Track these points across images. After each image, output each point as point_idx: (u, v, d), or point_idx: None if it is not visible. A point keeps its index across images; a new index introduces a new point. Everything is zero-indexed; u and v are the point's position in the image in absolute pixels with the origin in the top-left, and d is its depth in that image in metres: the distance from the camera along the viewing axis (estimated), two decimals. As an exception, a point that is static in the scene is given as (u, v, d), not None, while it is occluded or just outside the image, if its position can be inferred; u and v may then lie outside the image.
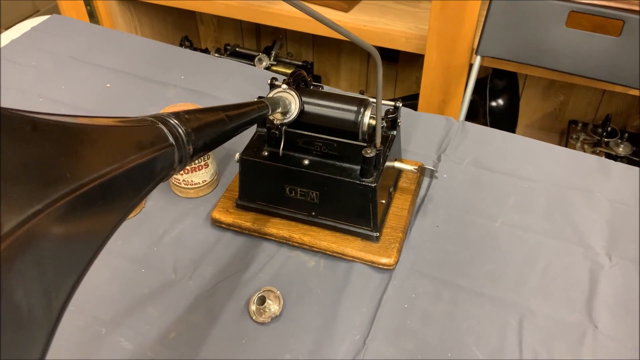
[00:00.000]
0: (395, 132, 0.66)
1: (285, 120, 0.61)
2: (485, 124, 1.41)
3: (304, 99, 0.63)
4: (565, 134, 1.60)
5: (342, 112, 0.61)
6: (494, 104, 1.45)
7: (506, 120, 1.44)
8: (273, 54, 1.63)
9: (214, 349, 0.57)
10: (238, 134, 0.52)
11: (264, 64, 1.60)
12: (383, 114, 0.65)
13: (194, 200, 0.72)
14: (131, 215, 0.70)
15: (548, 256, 0.65)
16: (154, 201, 0.72)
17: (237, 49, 1.69)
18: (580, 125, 1.52)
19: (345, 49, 1.82)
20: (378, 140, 0.60)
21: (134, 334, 0.58)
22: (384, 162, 0.62)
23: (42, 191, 0.25)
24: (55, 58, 0.98)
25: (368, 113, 0.61)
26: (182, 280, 0.63)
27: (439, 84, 1.29)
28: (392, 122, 0.65)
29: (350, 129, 0.61)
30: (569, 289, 0.62)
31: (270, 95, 0.62)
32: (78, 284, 0.29)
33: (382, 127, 0.64)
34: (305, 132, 0.63)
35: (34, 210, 0.23)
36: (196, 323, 0.59)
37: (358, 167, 0.62)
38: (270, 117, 0.62)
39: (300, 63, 1.69)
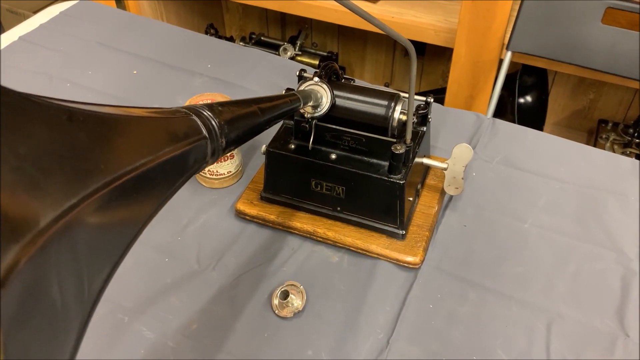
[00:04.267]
0: (425, 128, 0.65)
1: (316, 114, 0.60)
2: (512, 121, 1.39)
3: (334, 92, 0.61)
4: (594, 133, 1.56)
5: (372, 106, 0.60)
6: (522, 100, 1.42)
7: (534, 118, 1.41)
8: (298, 44, 1.62)
9: (236, 342, 0.56)
10: (270, 127, 0.51)
11: (289, 53, 1.58)
12: (414, 109, 0.63)
13: (218, 191, 0.72)
14: (156, 203, 0.69)
15: (579, 260, 0.63)
16: (179, 191, 0.72)
17: (262, 38, 1.68)
18: (610, 124, 1.48)
19: (370, 40, 1.80)
20: (408, 136, 0.58)
21: (156, 323, 0.58)
22: (413, 158, 0.61)
23: (77, 184, 0.24)
24: (82, 43, 0.98)
25: (399, 108, 0.59)
26: (205, 270, 0.63)
27: (467, 79, 1.27)
28: (422, 117, 0.64)
29: (380, 124, 0.60)
30: (599, 295, 0.60)
31: (302, 88, 0.61)
32: (111, 275, 0.29)
33: (412, 122, 0.62)
34: (334, 126, 0.61)
35: (70, 204, 0.23)
36: (218, 314, 0.59)
37: (386, 163, 0.61)
38: (301, 110, 0.61)
39: (325, 53, 1.68)
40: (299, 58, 1.63)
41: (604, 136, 1.44)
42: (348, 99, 0.61)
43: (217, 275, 0.62)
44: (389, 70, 1.87)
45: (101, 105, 0.30)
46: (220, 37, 1.71)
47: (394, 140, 0.59)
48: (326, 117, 0.61)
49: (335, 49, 1.85)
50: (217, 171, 0.70)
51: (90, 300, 0.25)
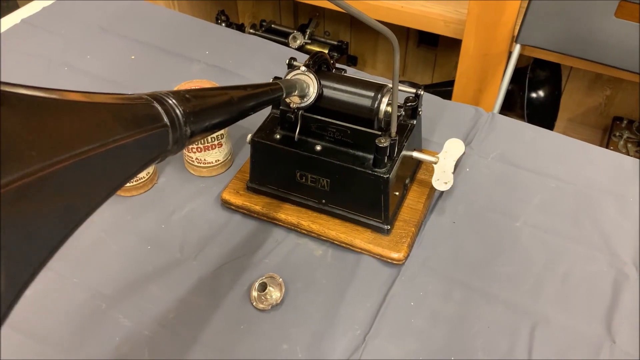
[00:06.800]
0: (415, 122, 0.63)
1: (302, 105, 0.59)
2: (522, 116, 1.36)
3: (322, 82, 0.60)
4: (608, 130, 1.52)
5: (358, 97, 0.58)
6: (533, 95, 1.38)
7: (545, 113, 1.38)
8: (308, 32, 1.60)
9: (211, 333, 0.56)
10: (246, 116, 0.50)
11: (299, 42, 1.57)
12: (402, 102, 0.62)
13: (207, 179, 0.71)
14: (142, 190, 0.69)
15: (570, 262, 0.61)
16: (167, 178, 0.72)
17: (272, 25, 1.67)
18: (625, 122, 1.44)
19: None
20: (393, 129, 0.57)
21: (133, 311, 0.57)
22: (400, 152, 0.59)
23: (-2, 170, 0.23)
24: (84, 27, 0.98)
25: (385, 100, 0.58)
26: (187, 260, 0.62)
27: (475, 72, 1.24)
28: (412, 110, 0.62)
29: (366, 115, 0.58)
30: (589, 298, 0.58)
31: (288, 77, 0.60)
32: (48, 259, 0.28)
33: (401, 115, 0.61)
34: (320, 117, 0.60)
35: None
36: (197, 305, 0.58)
37: (372, 156, 0.59)
38: (287, 100, 0.60)
39: (335, 43, 1.66)
40: (308, 47, 1.62)
41: (617, 134, 1.40)
42: (335, 89, 0.60)
43: (199, 265, 0.62)
44: (401, 60, 1.84)
45: (47, 90, 0.30)
46: (230, 24, 1.71)
47: (379, 133, 0.58)
48: (313, 107, 0.59)
49: (347, 38, 1.83)
50: (205, 159, 0.69)
51: (8, 298, 0.24)
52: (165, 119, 0.38)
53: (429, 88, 1.70)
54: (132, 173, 0.36)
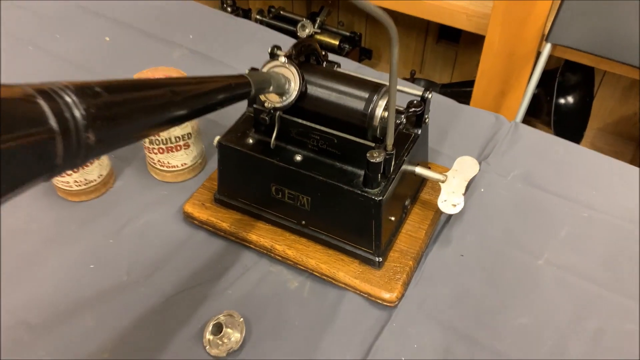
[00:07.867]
0: (419, 131, 0.51)
1: (280, 104, 0.48)
2: (547, 123, 1.23)
3: (307, 78, 0.49)
4: (642, 143, 1.38)
5: (349, 98, 0.47)
6: (562, 101, 1.25)
7: (574, 122, 1.24)
8: (318, 21, 1.48)
9: (150, 383, 0.45)
10: (196, 117, 0.39)
11: (307, 31, 1.45)
12: (405, 107, 0.50)
13: (171, 186, 0.60)
14: (93, 195, 0.58)
15: (602, 315, 0.49)
16: (125, 181, 0.61)
17: (281, 12, 1.55)
18: (662, 135, 1.30)
19: (401, 23, 1.64)
20: (389, 141, 0.45)
21: (60, 347, 0.47)
22: (398, 169, 0.48)
23: None
24: (61, 4, 0.87)
25: (383, 103, 0.46)
26: (134, 285, 0.52)
27: (498, 72, 1.11)
28: (416, 117, 0.51)
29: (357, 121, 0.47)
30: (625, 365, 0.46)
31: (264, 69, 0.49)
32: None
33: (401, 123, 0.49)
34: (302, 121, 0.49)
35: None
36: (138, 344, 0.47)
37: (362, 172, 0.48)
38: (262, 98, 0.49)
39: (347, 34, 1.54)
40: (318, 37, 1.50)
41: (653, 148, 1.26)
42: (322, 87, 0.48)
43: (147, 292, 0.51)
44: (419, 56, 1.71)
45: None
46: (237, 9, 1.59)
47: (372, 144, 0.46)
48: (294, 108, 0.48)
49: (362, 30, 1.71)
50: (168, 162, 0.58)
51: None
52: (52, 122, 0.27)
53: (446, 87, 1.58)
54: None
